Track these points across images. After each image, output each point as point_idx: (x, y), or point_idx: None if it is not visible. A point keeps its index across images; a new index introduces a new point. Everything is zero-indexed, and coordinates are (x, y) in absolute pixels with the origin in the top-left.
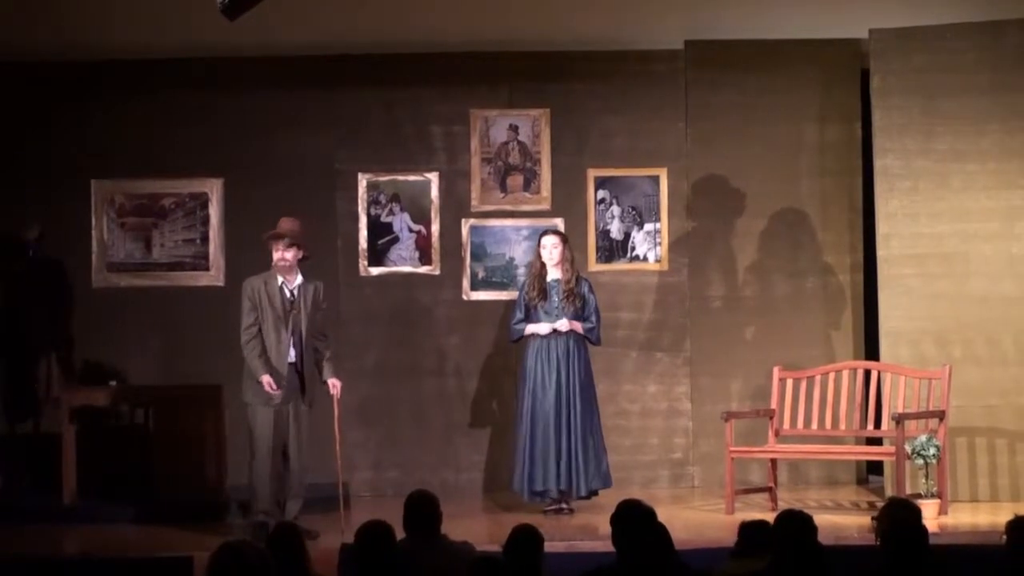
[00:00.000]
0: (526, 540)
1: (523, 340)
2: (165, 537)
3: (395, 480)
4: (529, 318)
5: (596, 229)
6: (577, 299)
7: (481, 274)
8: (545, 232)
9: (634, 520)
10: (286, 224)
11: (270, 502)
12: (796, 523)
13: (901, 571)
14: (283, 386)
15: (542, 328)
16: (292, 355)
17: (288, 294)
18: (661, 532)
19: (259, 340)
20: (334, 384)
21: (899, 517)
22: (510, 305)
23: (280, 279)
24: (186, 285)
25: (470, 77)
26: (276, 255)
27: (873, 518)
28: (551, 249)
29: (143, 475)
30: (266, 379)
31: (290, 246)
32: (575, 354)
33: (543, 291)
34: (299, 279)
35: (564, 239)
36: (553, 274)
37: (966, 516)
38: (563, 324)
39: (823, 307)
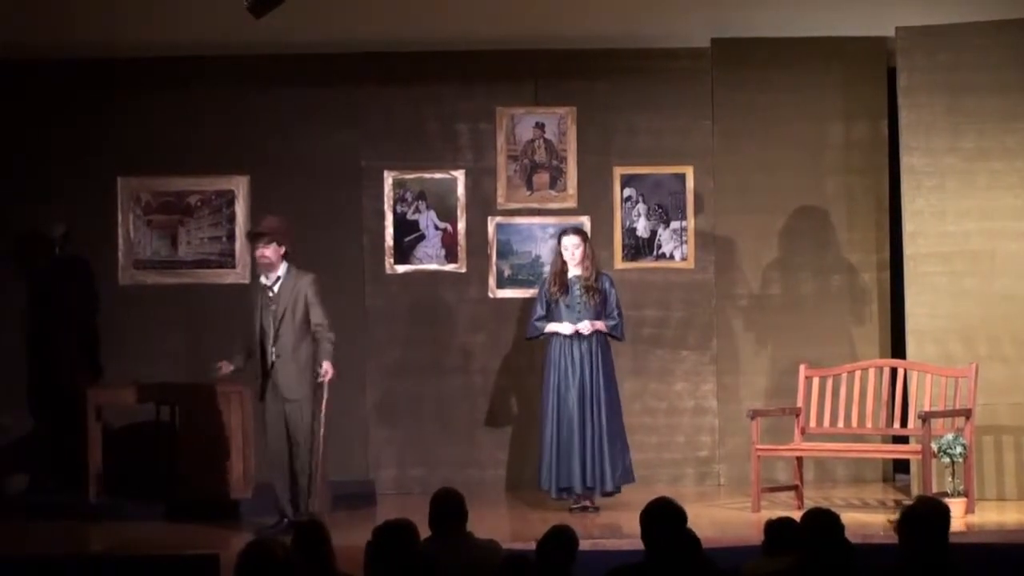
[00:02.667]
0: (562, 540)
1: (545, 338)
2: (191, 535)
3: (420, 478)
4: (550, 315)
5: (622, 227)
6: (597, 295)
7: (507, 272)
8: (565, 231)
9: (665, 518)
10: (267, 222)
11: (283, 500)
12: (824, 521)
13: (924, 570)
14: (241, 370)
15: (564, 328)
16: (272, 352)
17: (269, 291)
18: (689, 533)
19: (252, 336)
20: (325, 371)
21: (924, 515)
22: (531, 303)
23: (263, 276)
24: (212, 282)
25: (496, 75)
26: (256, 253)
27: (889, 520)
28: (572, 250)
29: (169, 473)
30: (225, 366)
31: (268, 243)
32: (598, 352)
33: (564, 286)
34: (280, 275)
35: (585, 238)
36: (574, 271)
37: (993, 515)
38: (585, 327)
39: (849, 305)
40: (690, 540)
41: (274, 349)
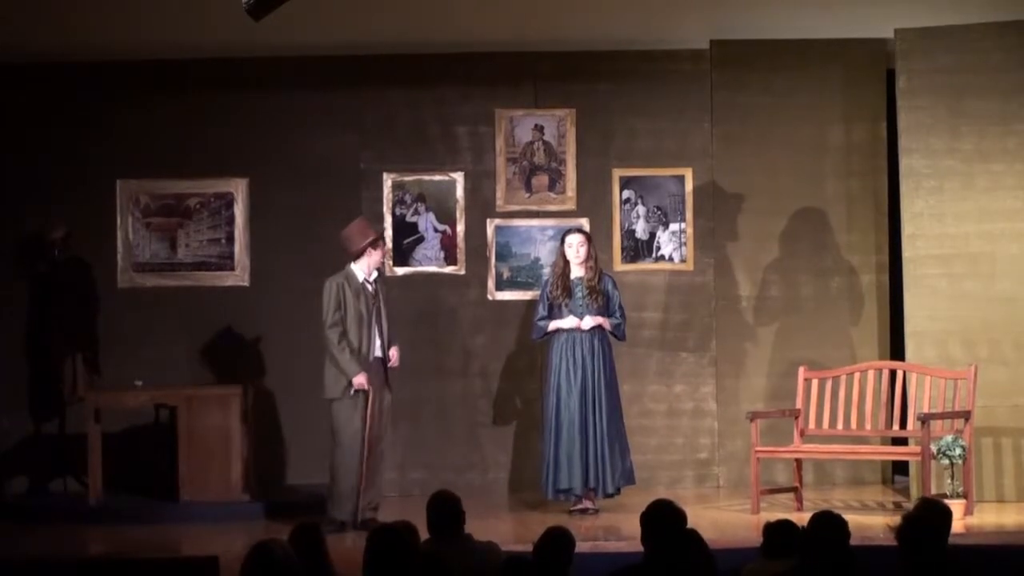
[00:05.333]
0: (558, 542)
1: (547, 338)
2: (191, 537)
3: (421, 480)
4: (552, 316)
5: (621, 229)
6: (600, 296)
7: (506, 274)
8: (569, 231)
9: (665, 520)
10: (374, 224)
11: (351, 508)
12: (830, 525)
13: (924, 572)
14: (373, 382)
15: (566, 322)
16: (378, 348)
17: (371, 288)
18: (693, 535)
19: (347, 339)
20: (394, 351)
21: (927, 517)
22: (534, 304)
23: (362, 276)
24: (211, 285)
25: (495, 77)
26: (381, 253)
27: (889, 525)
28: (577, 248)
29: (169, 476)
30: (359, 379)
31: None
32: (599, 351)
33: (567, 288)
34: (375, 274)
35: (588, 238)
36: (576, 272)
37: (992, 517)
38: (588, 322)
39: (848, 307)
40: (693, 539)
41: (380, 343)
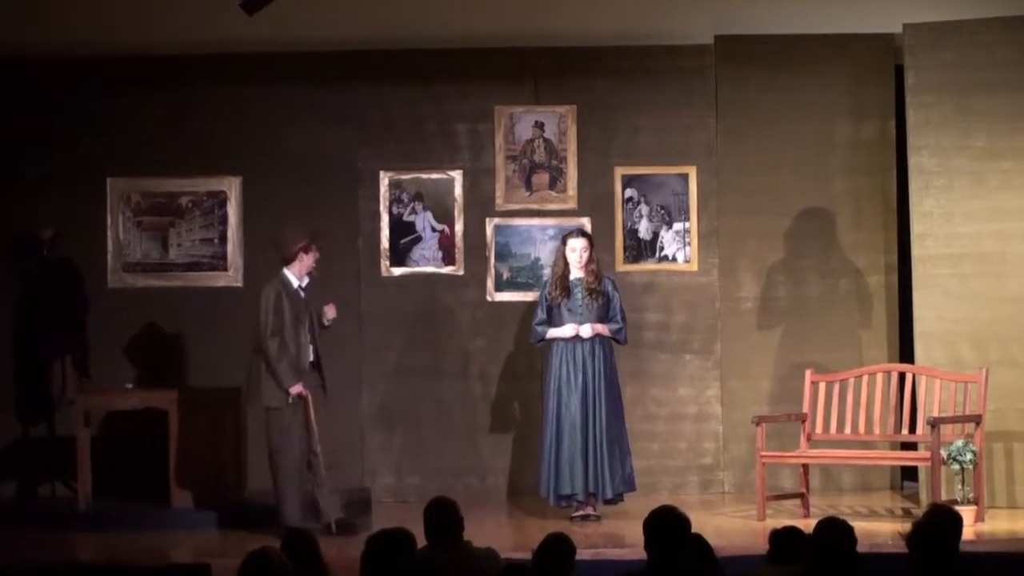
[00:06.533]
0: (558, 549)
1: (546, 342)
2: (182, 544)
3: (417, 486)
4: (551, 318)
5: (624, 228)
6: (601, 298)
7: (506, 275)
8: (571, 233)
9: (668, 527)
10: (303, 229)
11: (300, 514)
12: (837, 532)
13: None
14: (308, 387)
15: (564, 331)
16: (311, 353)
17: (303, 294)
18: (699, 540)
19: (285, 347)
20: (329, 307)
21: (938, 523)
22: (533, 306)
23: (295, 282)
24: (204, 286)
25: (495, 73)
26: (314, 256)
27: (900, 532)
28: (580, 252)
29: (159, 480)
30: (295, 388)
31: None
32: (600, 355)
33: (566, 289)
34: (307, 280)
35: (591, 241)
36: (576, 274)
37: (1003, 523)
38: (586, 331)
39: (856, 308)
40: (700, 545)
41: (314, 347)
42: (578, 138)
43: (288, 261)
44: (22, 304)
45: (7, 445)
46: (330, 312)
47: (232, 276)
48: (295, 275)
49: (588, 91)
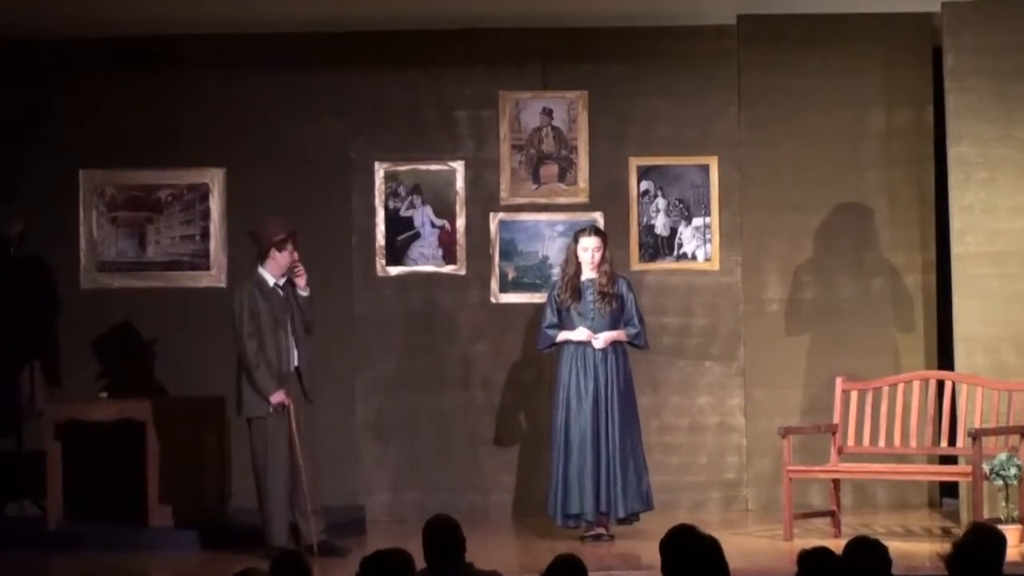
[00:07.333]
0: (568, 571)
1: (556, 348)
2: (161, 566)
3: (416, 503)
4: (561, 321)
5: (639, 224)
6: (614, 300)
7: (511, 274)
8: (583, 230)
9: (687, 548)
10: (286, 223)
11: (288, 534)
12: (870, 553)
13: None
14: (291, 395)
15: (576, 334)
16: (295, 357)
17: (282, 293)
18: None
19: (263, 351)
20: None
21: (979, 543)
22: (541, 309)
23: (272, 281)
24: (184, 286)
25: (499, 56)
26: (288, 256)
27: (939, 553)
28: (593, 252)
29: (136, 497)
30: (276, 397)
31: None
32: (613, 361)
33: (576, 291)
34: (284, 279)
35: (605, 240)
36: (588, 275)
37: None
38: (599, 341)
39: (891, 311)
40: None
41: (298, 352)
42: (589, 126)
43: (262, 256)
44: None
45: None
46: (300, 281)
47: (215, 276)
48: (271, 273)
49: (600, 75)
